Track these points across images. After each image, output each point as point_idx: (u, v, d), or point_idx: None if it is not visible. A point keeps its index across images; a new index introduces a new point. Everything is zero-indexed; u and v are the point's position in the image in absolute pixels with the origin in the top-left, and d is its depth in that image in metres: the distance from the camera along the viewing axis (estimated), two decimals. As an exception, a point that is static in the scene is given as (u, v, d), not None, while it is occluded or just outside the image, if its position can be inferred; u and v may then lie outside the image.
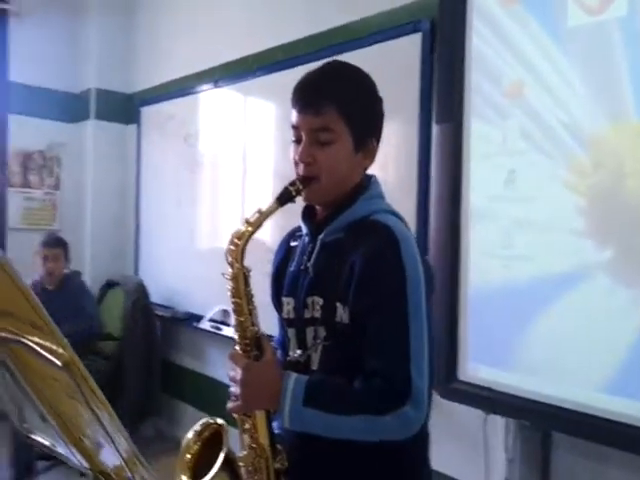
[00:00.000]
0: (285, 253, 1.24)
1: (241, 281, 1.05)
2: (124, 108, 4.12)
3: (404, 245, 1.02)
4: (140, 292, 3.67)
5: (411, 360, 0.97)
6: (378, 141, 1.16)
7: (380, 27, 2.38)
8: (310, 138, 1.08)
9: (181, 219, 3.59)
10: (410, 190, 2.19)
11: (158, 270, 3.79)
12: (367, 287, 1.01)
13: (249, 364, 1.03)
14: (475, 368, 1.89)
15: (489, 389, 1.84)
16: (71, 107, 4.18)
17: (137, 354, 3.59)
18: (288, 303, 1.16)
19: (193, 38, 3.54)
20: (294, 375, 1.01)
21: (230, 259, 1.05)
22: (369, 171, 1.18)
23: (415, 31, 2.22)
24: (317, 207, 1.17)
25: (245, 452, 1.09)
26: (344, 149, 1.09)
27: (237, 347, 1.06)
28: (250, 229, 1.04)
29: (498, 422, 1.93)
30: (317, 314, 1.08)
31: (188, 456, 1.10)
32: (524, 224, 1.74)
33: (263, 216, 1.05)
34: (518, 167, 1.75)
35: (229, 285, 1.06)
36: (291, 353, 1.14)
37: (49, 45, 4.10)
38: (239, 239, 1.04)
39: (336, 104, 1.07)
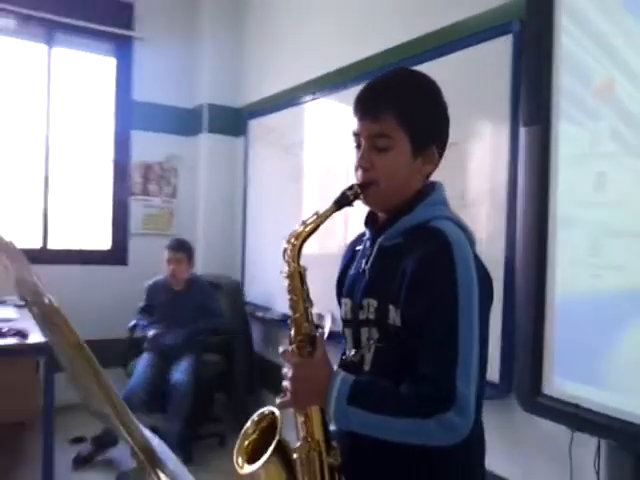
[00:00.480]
0: (350, 256, 1.28)
1: (297, 279, 1.11)
2: (233, 121, 4.38)
3: (456, 248, 1.02)
4: (237, 293, 3.88)
5: (458, 366, 0.96)
6: (442, 147, 1.17)
7: (471, 31, 2.35)
8: (369, 144, 1.12)
9: (283, 226, 3.74)
10: (499, 194, 2.15)
11: (260, 273, 3.97)
12: (418, 290, 1.03)
13: (300, 361, 1.08)
14: (561, 382, 1.81)
15: (575, 405, 1.74)
16: (186, 121, 4.52)
17: (239, 351, 3.80)
18: (346, 304, 1.20)
19: (295, 52, 3.70)
20: (342, 374, 1.04)
21: (287, 258, 1.11)
22: (435, 177, 1.20)
23: (505, 33, 2.18)
24: (379, 213, 1.21)
25: (300, 443, 1.14)
26: (402, 155, 1.11)
27: (291, 346, 1.11)
28: (307, 230, 1.10)
29: (590, 440, 1.83)
30: (371, 316, 1.11)
31: (245, 442, 1.17)
32: (614, 231, 1.64)
33: (320, 218, 1.10)
34: (608, 170, 1.66)
35: (286, 283, 1.12)
36: (347, 352, 1.18)
37: (167, 65, 4.46)
38: (296, 239, 1.10)
39: (394, 111, 1.10)
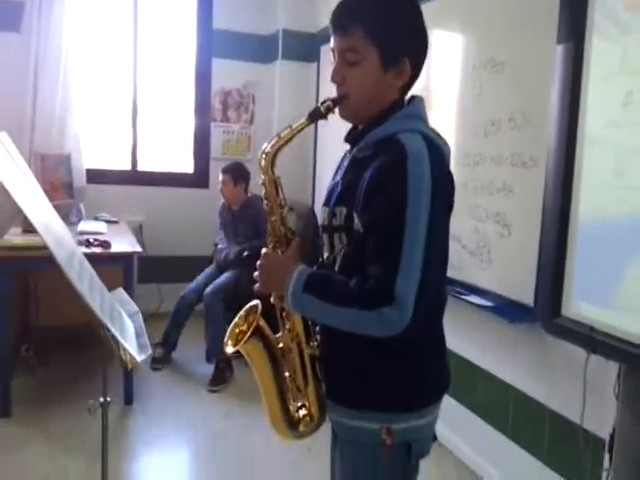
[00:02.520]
0: (337, 169, 1.36)
1: (271, 187, 1.22)
2: (307, 47, 4.41)
3: (412, 159, 1.06)
4: (310, 217, 4.03)
5: (400, 265, 1.03)
6: (416, 60, 1.18)
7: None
8: (340, 59, 1.17)
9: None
10: (544, 115, 2.08)
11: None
12: (369, 198, 1.10)
13: (269, 253, 1.21)
14: (579, 305, 1.80)
15: (590, 327, 1.74)
16: (263, 48, 4.61)
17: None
18: (324, 211, 1.28)
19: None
20: (302, 266, 1.15)
21: (261, 168, 1.21)
22: (416, 91, 1.23)
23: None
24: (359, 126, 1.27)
25: (281, 334, 1.29)
26: (371, 69, 1.15)
27: (270, 245, 1.23)
28: (280, 142, 1.19)
29: (610, 364, 1.83)
30: (342, 222, 1.19)
31: (236, 330, 1.32)
32: (640, 151, 1.57)
33: (293, 131, 1.19)
34: (637, 88, 1.57)
35: (262, 191, 1.23)
36: (325, 255, 1.29)
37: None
38: (270, 149, 1.20)
39: (362, 24, 1.13)
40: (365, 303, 1.05)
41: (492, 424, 2.51)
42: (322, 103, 1.18)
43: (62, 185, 3.99)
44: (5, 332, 2.94)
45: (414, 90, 1.24)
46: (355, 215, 1.14)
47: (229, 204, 3.88)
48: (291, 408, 1.28)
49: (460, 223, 2.46)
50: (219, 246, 3.94)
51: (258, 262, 1.21)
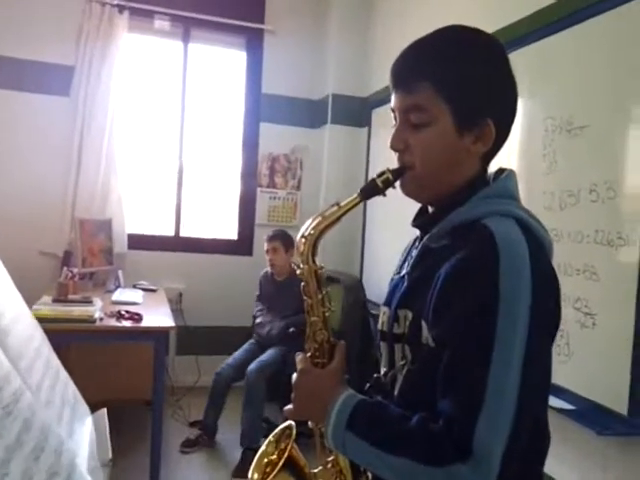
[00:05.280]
0: (404, 258, 1.09)
1: (311, 279, 0.95)
2: (357, 111, 4.25)
3: (504, 254, 0.78)
4: (358, 289, 3.74)
5: (483, 407, 0.74)
6: (502, 118, 0.92)
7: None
8: (402, 120, 0.93)
9: (405, 221, 3.54)
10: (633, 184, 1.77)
11: (378, 270, 3.81)
12: (444, 305, 0.82)
13: (306, 368, 0.94)
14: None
15: None
16: (312, 113, 4.48)
17: (354, 349, 3.67)
18: (384, 313, 1.02)
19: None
20: (347, 392, 0.87)
21: (300, 255, 0.95)
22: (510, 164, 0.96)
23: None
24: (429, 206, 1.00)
25: (321, 468, 0.99)
26: (442, 132, 0.90)
27: (307, 353, 0.96)
28: (324, 224, 0.94)
29: None
30: (406, 330, 0.92)
31: (264, 460, 1.04)
32: None
33: (341, 210, 0.94)
34: None
35: (302, 283, 0.97)
36: (382, 369, 1.00)
37: (295, 57, 4.47)
38: (310, 233, 0.94)
39: (430, 77, 0.89)
40: (430, 455, 0.75)
41: None
42: (379, 175, 0.93)
43: (101, 251, 3.86)
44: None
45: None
46: (424, 323, 0.86)
47: (272, 274, 3.64)
48: None
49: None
50: (259, 320, 3.63)
51: (293, 378, 0.93)
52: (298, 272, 0.96)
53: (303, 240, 0.95)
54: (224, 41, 4.45)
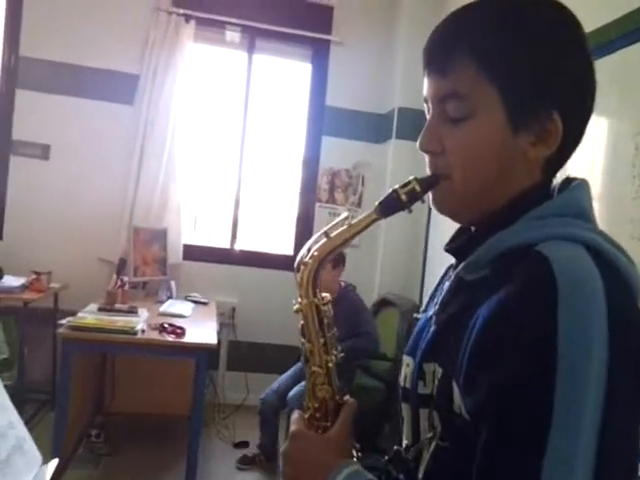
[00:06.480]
0: (433, 293, 0.88)
1: (312, 317, 0.76)
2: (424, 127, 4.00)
3: (568, 293, 0.55)
4: (413, 315, 3.49)
5: None
6: (574, 112, 0.68)
7: None
8: (437, 112, 0.71)
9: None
10: None
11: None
12: (483, 364, 0.59)
13: (300, 432, 0.73)
14: None
15: None
16: (376, 128, 4.29)
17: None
18: (407, 365, 0.79)
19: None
20: (350, 468, 0.67)
21: (300, 284, 0.76)
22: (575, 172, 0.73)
23: None
24: (470, 226, 0.79)
25: None
26: (489, 127, 0.67)
27: (305, 413, 0.76)
28: (330, 246, 0.74)
29: None
30: (434, 391, 0.70)
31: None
32: None
33: (351, 231, 0.74)
34: None
35: (299, 321, 0.77)
36: (404, 440, 0.78)
37: (361, 69, 4.30)
38: (312, 259, 0.75)
39: (473, 53, 0.66)
40: None
41: None
42: (403, 186, 0.72)
43: (155, 260, 3.81)
44: (64, 419, 2.65)
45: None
46: (455, 386, 0.64)
47: (320, 292, 3.45)
48: None
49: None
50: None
51: (285, 444, 0.74)
52: (295, 308, 0.76)
53: (302, 267, 0.75)
54: (289, 52, 4.35)
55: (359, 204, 4.38)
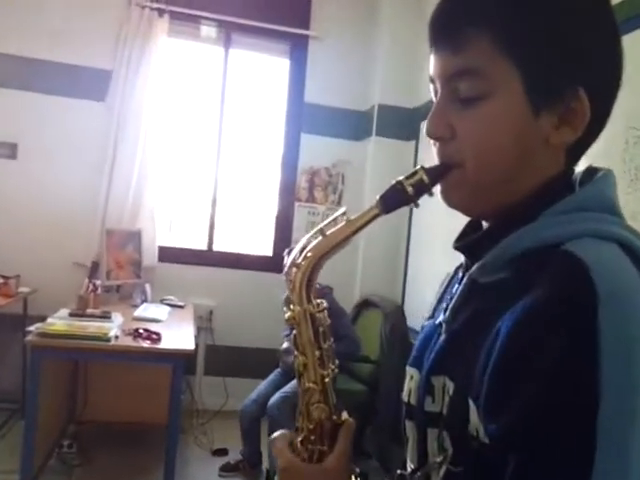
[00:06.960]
0: (439, 297, 0.78)
1: (306, 327, 0.66)
2: (405, 124, 3.94)
3: (609, 299, 0.48)
4: (399, 316, 3.42)
5: None
6: (600, 93, 0.60)
7: None
8: (447, 92, 0.62)
9: (450, 243, 3.21)
10: None
11: (423, 295, 3.48)
12: (511, 382, 0.51)
13: (290, 466, 0.63)
14: None
15: None
16: (357, 125, 4.20)
17: (392, 380, 3.34)
18: (412, 377, 0.70)
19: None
20: None
21: (292, 290, 0.67)
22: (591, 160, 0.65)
23: None
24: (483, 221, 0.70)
25: None
26: (506, 108, 0.59)
27: (297, 436, 0.67)
28: (327, 246, 0.65)
29: None
30: (444, 409, 0.61)
31: None
32: None
33: (350, 227, 0.65)
34: None
35: (293, 332, 0.68)
36: (409, 463, 0.69)
37: (341, 65, 4.21)
38: (305, 260, 0.65)
39: (489, 25, 0.58)
40: None
41: None
42: (409, 177, 0.63)
43: (129, 263, 3.67)
44: (33, 429, 2.51)
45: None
46: (471, 405, 0.55)
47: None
48: None
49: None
50: (284, 345, 3.30)
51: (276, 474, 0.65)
52: (287, 316, 0.67)
53: (294, 270, 0.66)
54: (267, 47, 4.24)
55: (339, 202, 4.29)
